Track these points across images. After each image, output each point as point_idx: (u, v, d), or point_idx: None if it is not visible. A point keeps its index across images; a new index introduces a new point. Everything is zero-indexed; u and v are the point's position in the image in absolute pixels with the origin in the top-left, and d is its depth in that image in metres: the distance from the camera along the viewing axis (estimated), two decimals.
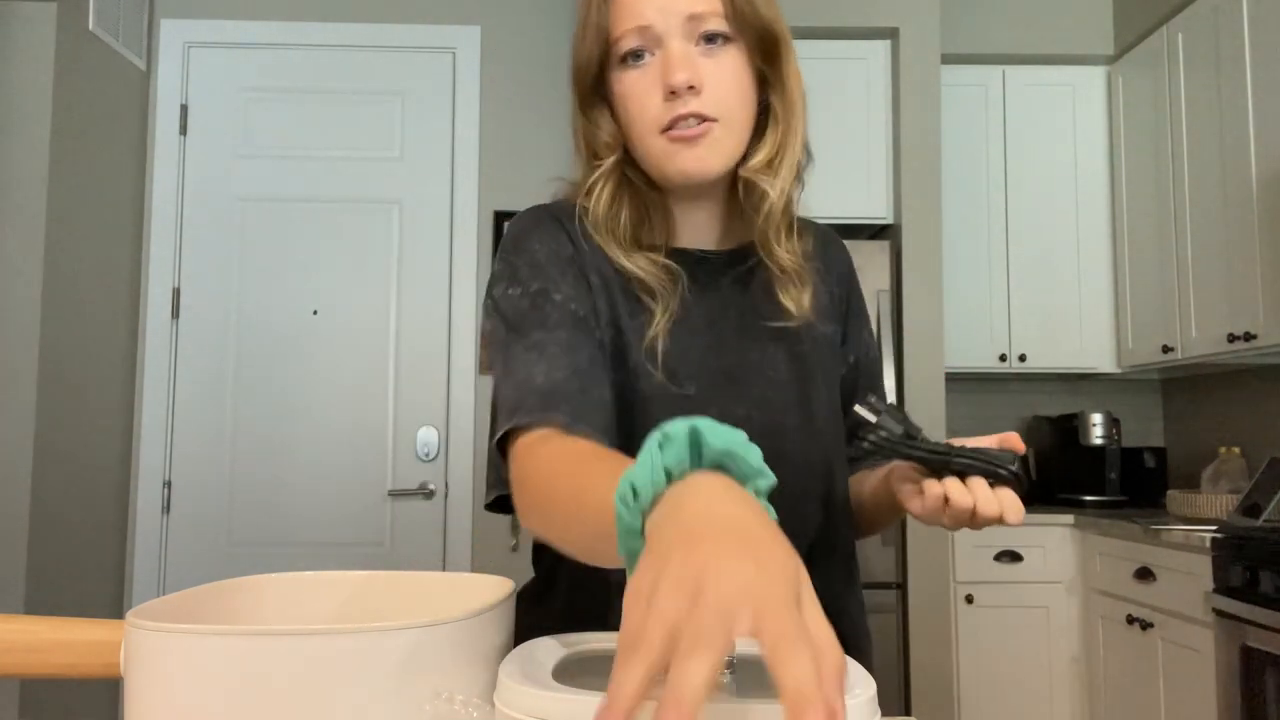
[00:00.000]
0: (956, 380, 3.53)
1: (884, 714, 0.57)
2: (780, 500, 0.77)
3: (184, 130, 3.13)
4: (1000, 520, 0.75)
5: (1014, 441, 0.78)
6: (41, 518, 2.58)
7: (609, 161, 0.90)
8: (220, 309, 3.08)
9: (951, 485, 0.75)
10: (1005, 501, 0.75)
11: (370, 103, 3.15)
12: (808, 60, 3.05)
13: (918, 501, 0.79)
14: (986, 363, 3.31)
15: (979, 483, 0.75)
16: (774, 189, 0.90)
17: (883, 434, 0.76)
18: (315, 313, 3.08)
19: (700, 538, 0.44)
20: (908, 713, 2.84)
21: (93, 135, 2.83)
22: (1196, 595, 2.40)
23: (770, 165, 0.90)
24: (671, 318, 0.90)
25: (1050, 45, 3.37)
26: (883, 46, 3.07)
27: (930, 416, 2.91)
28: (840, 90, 3.06)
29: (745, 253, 0.96)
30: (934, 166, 2.99)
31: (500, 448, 0.82)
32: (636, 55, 0.87)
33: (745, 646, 0.66)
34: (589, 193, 0.91)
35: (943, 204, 3.07)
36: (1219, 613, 2.29)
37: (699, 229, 0.96)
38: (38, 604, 2.55)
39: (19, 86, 2.61)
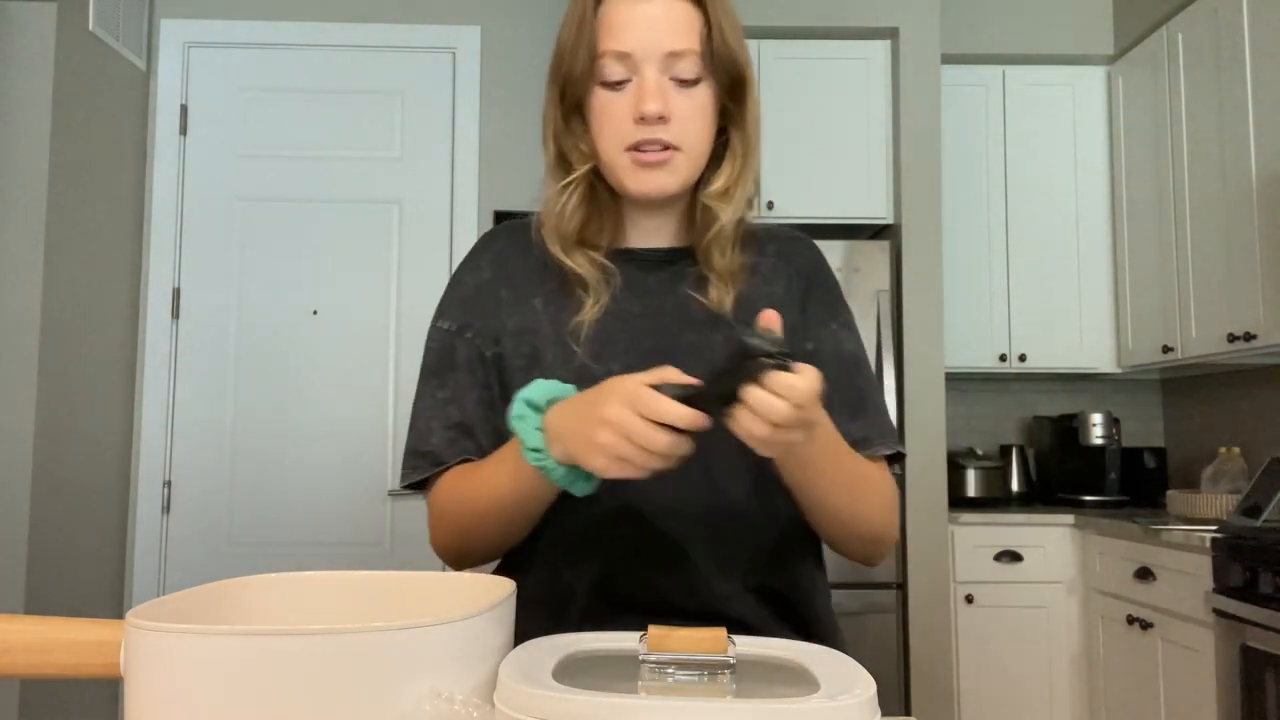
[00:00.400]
0: (956, 380, 3.53)
1: (884, 714, 0.57)
2: (709, 478, 0.90)
3: (184, 130, 3.13)
4: (797, 407, 0.70)
5: (768, 320, 0.75)
6: (41, 518, 2.58)
7: (583, 170, 0.98)
8: (220, 309, 3.08)
9: (739, 417, 0.72)
10: (785, 389, 0.70)
11: (370, 103, 3.15)
12: (808, 60, 3.07)
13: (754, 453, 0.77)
14: (986, 363, 3.31)
15: (754, 393, 0.70)
16: (726, 215, 0.97)
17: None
18: (315, 313, 3.08)
19: (592, 396, 0.76)
20: (908, 713, 2.84)
21: (93, 135, 2.83)
22: (1196, 595, 2.40)
23: (727, 193, 0.98)
24: (603, 309, 0.97)
25: (1050, 45, 3.37)
26: (883, 46, 3.07)
27: (930, 416, 2.91)
28: (840, 90, 3.06)
29: (688, 251, 1.02)
30: (934, 166, 2.99)
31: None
32: (616, 79, 0.94)
33: (745, 647, 0.66)
34: (559, 195, 0.99)
35: (943, 204, 3.07)
36: (1219, 613, 2.29)
37: (650, 233, 1.03)
38: (38, 604, 2.55)
39: (19, 86, 2.61)
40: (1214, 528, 2.48)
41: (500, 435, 0.94)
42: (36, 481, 2.56)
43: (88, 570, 2.81)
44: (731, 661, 0.60)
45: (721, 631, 0.62)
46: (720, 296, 0.98)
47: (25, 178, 2.60)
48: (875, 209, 3.03)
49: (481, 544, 0.94)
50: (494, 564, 1.01)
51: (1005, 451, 3.45)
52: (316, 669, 0.54)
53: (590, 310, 0.96)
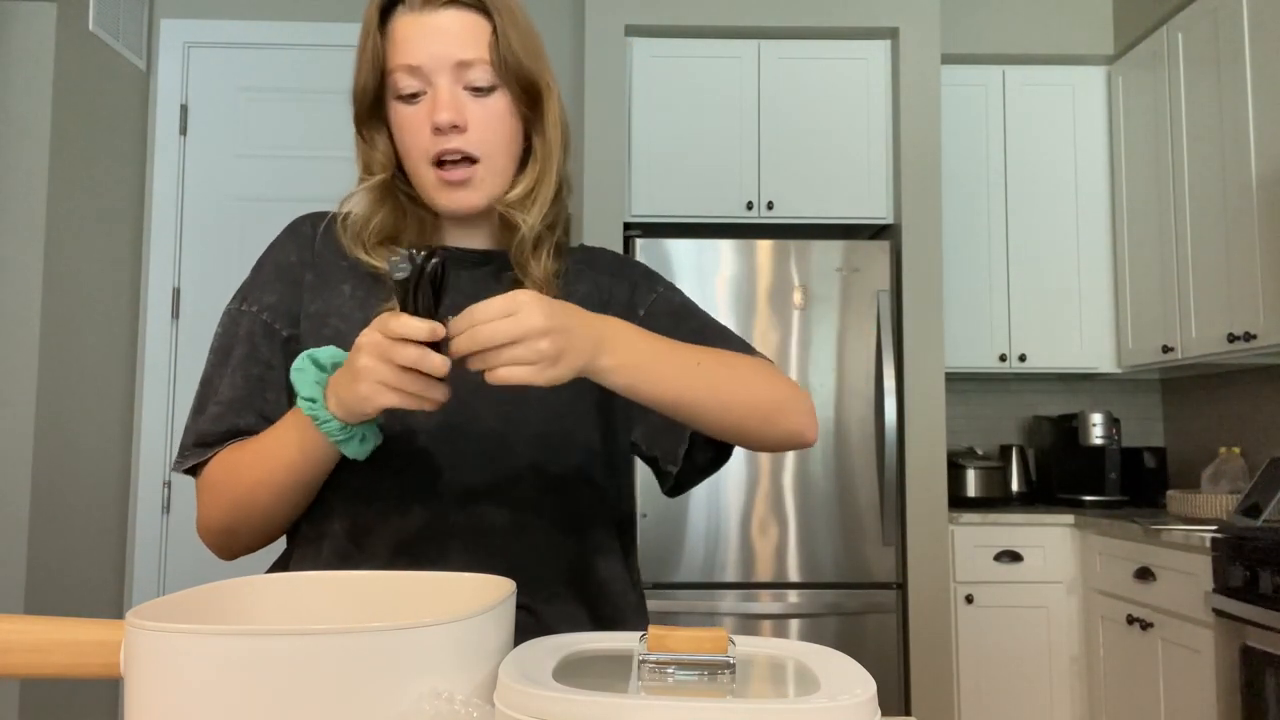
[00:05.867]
0: (956, 380, 3.53)
1: (884, 714, 0.57)
2: (510, 461, 0.94)
3: (184, 130, 3.13)
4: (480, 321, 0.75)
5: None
6: (41, 518, 2.58)
7: (375, 180, 1.00)
8: (220, 309, 3.07)
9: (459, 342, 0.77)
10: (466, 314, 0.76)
11: None
12: (808, 60, 3.07)
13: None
14: (986, 363, 3.32)
15: (454, 324, 0.77)
16: (526, 222, 0.98)
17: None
18: None
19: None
20: (908, 713, 2.84)
21: (93, 135, 2.83)
22: (1196, 595, 2.40)
23: (525, 200, 0.99)
24: None
25: (1050, 45, 3.37)
26: (883, 46, 3.07)
27: (930, 416, 2.91)
28: (840, 90, 3.06)
29: (504, 254, 1.02)
30: (934, 166, 2.99)
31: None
32: (410, 92, 0.95)
33: (745, 647, 0.66)
34: (358, 200, 1.01)
35: (943, 204, 3.07)
36: (1219, 613, 2.29)
37: (464, 237, 1.04)
38: (38, 604, 2.55)
39: (19, 86, 2.61)
40: (1214, 528, 2.48)
41: (265, 416, 0.94)
42: (36, 481, 2.56)
43: (88, 570, 2.81)
44: (731, 661, 0.60)
45: (722, 631, 0.62)
46: None
47: (25, 178, 2.60)
48: (875, 209, 3.03)
49: (255, 520, 0.92)
50: (281, 554, 1.00)
51: (1005, 451, 3.45)
52: (316, 669, 0.54)
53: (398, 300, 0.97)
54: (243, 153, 3.13)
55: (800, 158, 3.04)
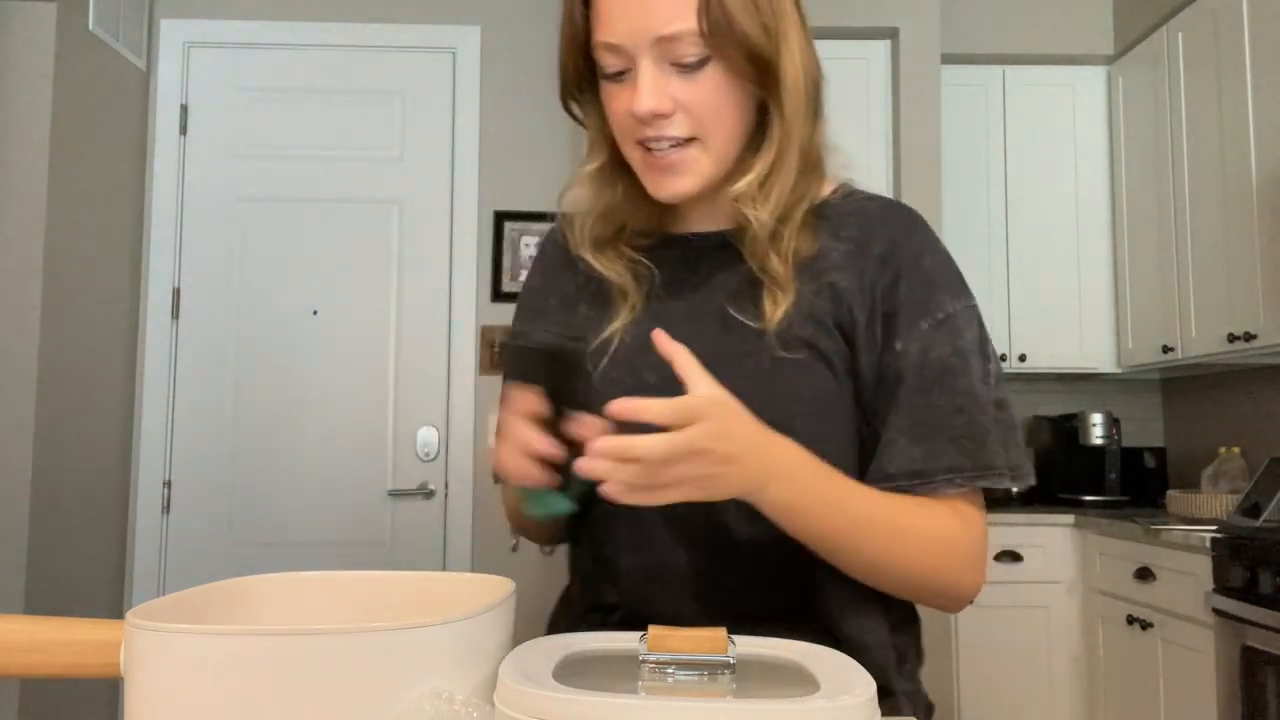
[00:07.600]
0: None
1: (884, 714, 0.57)
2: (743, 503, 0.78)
3: (184, 130, 3.13)
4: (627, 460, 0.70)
5: (657, 340, 0.74)
6: (41, 518, 2.58)
7: (592, 166, 0.92)
8: (220, 309, 3.08)
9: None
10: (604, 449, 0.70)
11: (370, 103, 3.15)
12: None
13: None
14: None
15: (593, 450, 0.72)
16: (760, 214, 0.85)
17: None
18: (315, 313, 3.08)
19: None
20: None
21: (93, 135, 2.83)
22: (1196, 595, 2.40)
23: (761, 187, 0.85)
24: (639, 313, 0.91)
25: (1050, 45, 3.37)
26: (883, 46, 3.07)
27: None
28: (840, 90, 3.06)
29: (744, 234, 0.90)
30: (934, 166, 2.99)
31: None
32: (615, 71, 0.85)
33: (745, 647, 0.66)
34: (584, 183, 0.93)
35: (943, 204, 3.07)
36: (1219, 613, 2.29)
37: (700, 218, 0.94)
38: (38, 604, 2.55)
39: (19, 86, 2.61)
40: (1214, 528, 2.48)
41: None
42: (36, 481, 2.56)
43: (88, 570, 2.81)
44: (731, 661, 0.60)
45: (721, 631, 0.62)
46: (772, 305, 0.86)
47: (25, 178, 2.60)
48: None
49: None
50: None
51: None
52: (316, 669, 0.54)
53: (624, 317, 0.90)
54: (243, 153, 3.13)
55: None
